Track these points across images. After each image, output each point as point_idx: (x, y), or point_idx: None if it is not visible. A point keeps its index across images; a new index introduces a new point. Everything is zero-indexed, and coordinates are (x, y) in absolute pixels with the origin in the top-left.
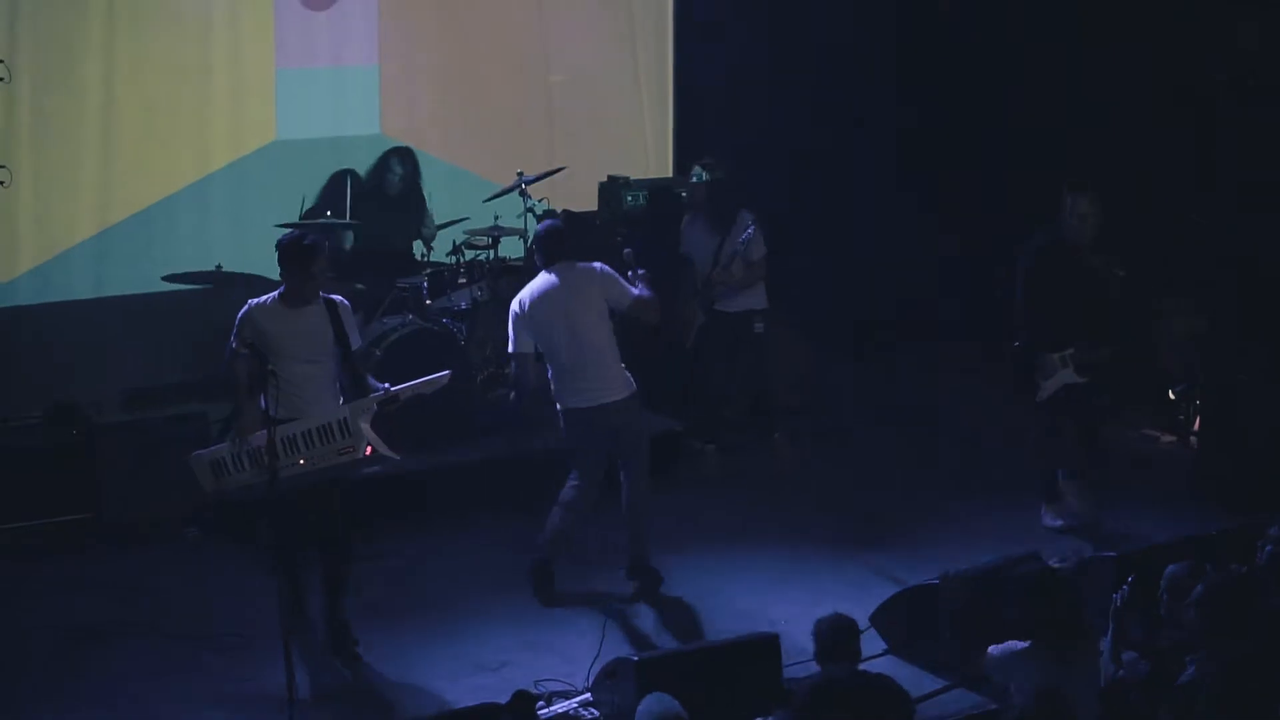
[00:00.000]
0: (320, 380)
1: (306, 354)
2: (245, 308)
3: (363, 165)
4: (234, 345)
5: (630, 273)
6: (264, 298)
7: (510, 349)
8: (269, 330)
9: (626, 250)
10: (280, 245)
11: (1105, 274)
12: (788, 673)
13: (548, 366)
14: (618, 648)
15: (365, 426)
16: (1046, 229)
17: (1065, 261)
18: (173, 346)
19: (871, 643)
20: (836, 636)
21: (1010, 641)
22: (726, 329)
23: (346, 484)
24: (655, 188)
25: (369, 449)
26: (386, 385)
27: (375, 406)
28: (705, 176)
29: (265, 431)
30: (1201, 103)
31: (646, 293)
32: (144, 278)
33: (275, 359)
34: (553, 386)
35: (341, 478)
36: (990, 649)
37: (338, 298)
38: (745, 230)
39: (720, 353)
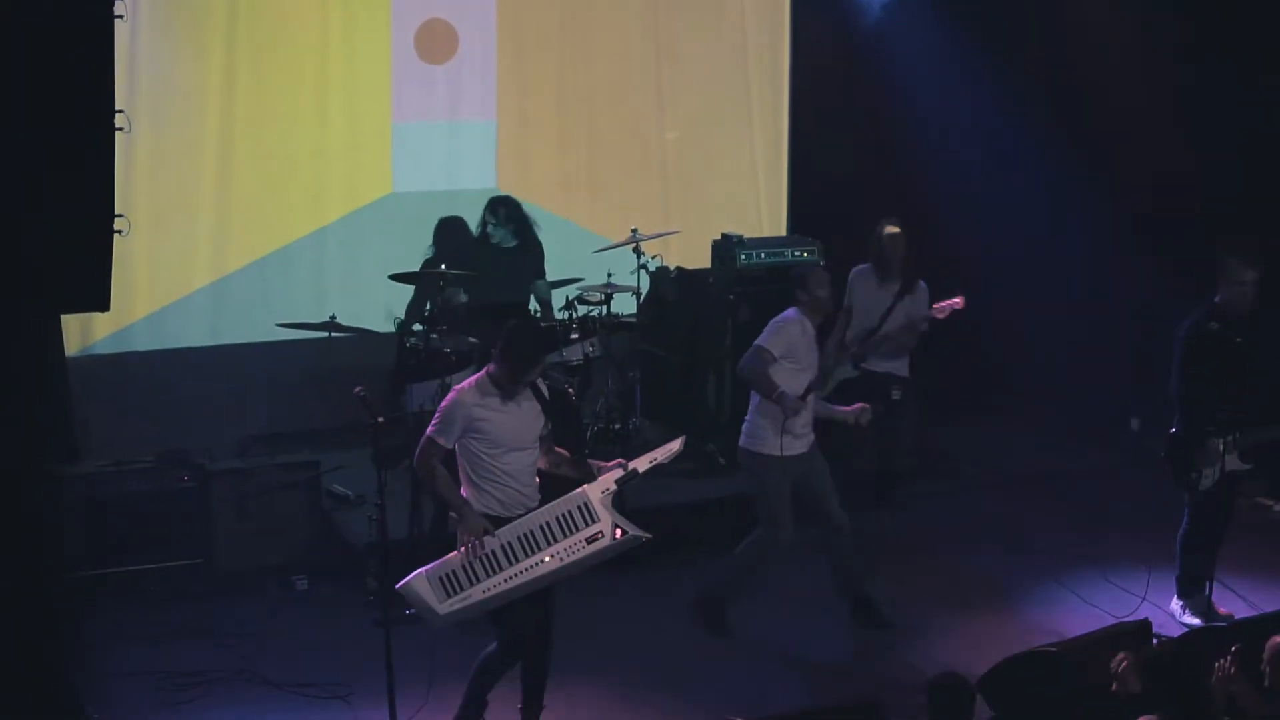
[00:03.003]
0: (533, 468)
1: (526, 441)
2: (455, 394)
3: (474, 220)
4: (436, 438)
5: None
6: (470, 383)
7: None
8: (489, 418)
9: None
10: (513, 329)
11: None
12: None
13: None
14: (719, 708)
15: (608, 508)
16: (1204, 302)
17: (1224, 336)
18: (286, 395)
19: (980, 709)
20: (950, 697)
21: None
22: (865, 387)
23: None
24: (777, 254)
25: (618, 531)
26: (621, 460)
27: (614, 485)
28: (903, 239)
29: (494, 534)
30: None
31: None
32: (258, 327)
33: (492, 449)
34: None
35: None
36: None
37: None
38: (924, 300)
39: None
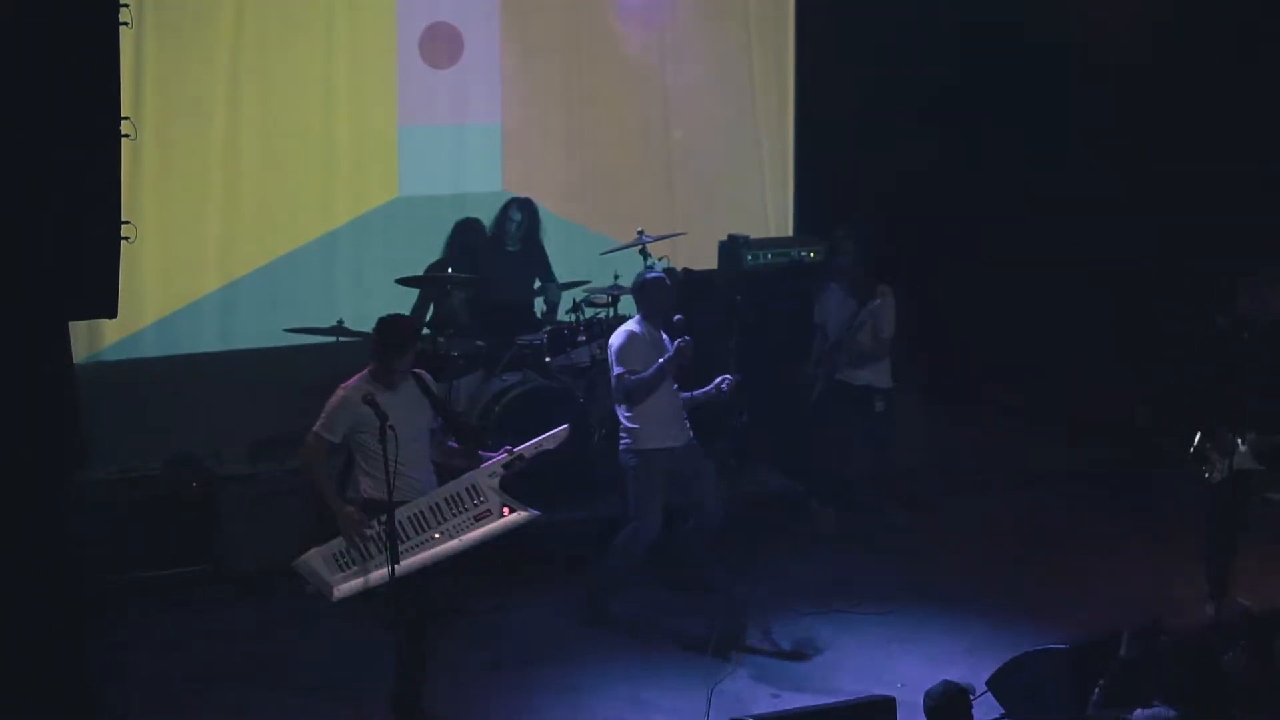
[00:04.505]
0: (425, 456)
1: (413, 431)
2: (341, 392)
3: (486, 220)
4: (322, 433)
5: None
6: (354, 380)
7: None
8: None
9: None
10: (378, 323)
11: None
12: None
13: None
14: (732, 708)
15: (496, 489)
16: (1223, 303)
17: (1231, 333)
18: (294, 399)
19: (991, 707)
20: (946, 705)
21: (1157, 708)
22: (847, 399)
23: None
24: (783, 255)
25: (505, 510)
26: (508, 447)
27: (501, 470)
28: (850, 245)
29: (385, 516)
30: None
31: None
32: (267, 332)
33: (379, 441)
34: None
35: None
36: (1136, 713)
37: (419, 371)
38: (877, 300)
39: (842, 420)
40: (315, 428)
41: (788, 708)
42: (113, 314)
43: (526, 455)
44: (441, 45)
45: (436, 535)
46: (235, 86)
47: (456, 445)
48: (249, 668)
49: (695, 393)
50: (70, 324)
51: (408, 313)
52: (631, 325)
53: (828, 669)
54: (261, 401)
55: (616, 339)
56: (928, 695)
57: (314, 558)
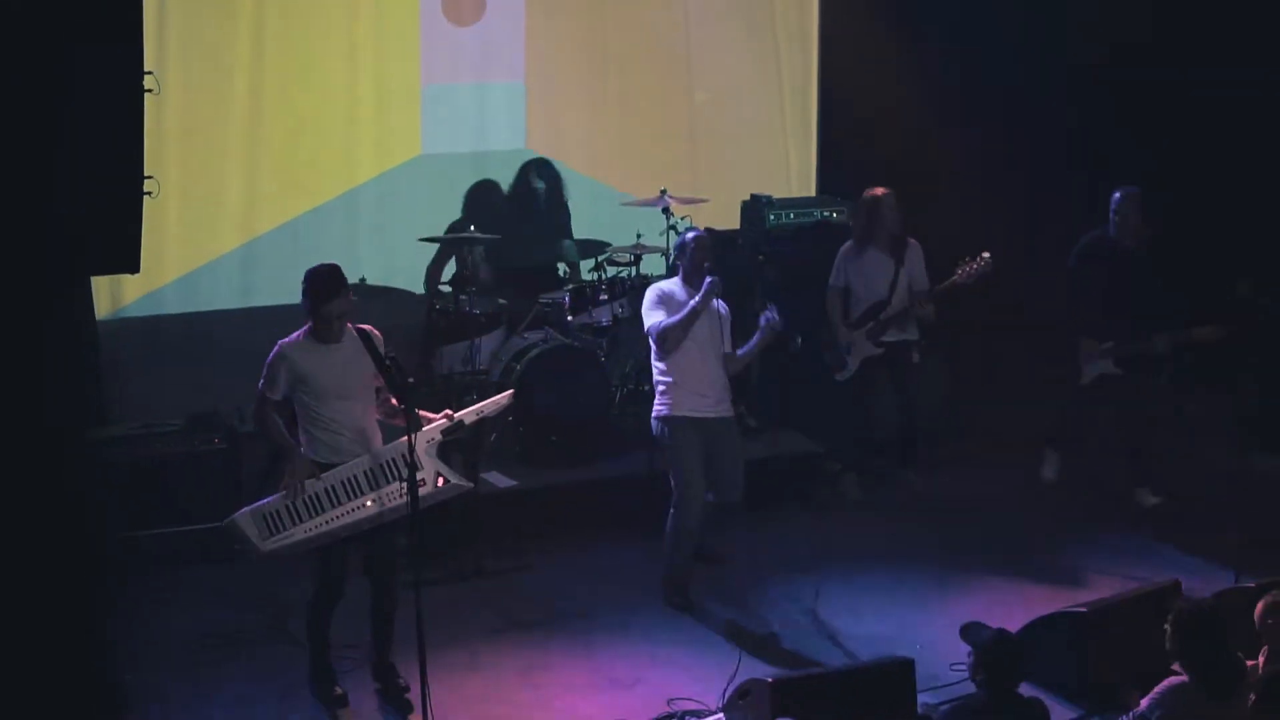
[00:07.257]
0: (361, 416)
1: (349, 389)
2: (277, 348)
3: (505, 180)
4: (265, 393)
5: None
6: (293, 337)
7: None
8: (310, 369)
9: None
10: (306, 275)
11: (1251, 301)
12: (922, 699)
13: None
14: (751, 668)
15: (432, 456)
16: (1097, 229)
17: (1109, 258)
18: None
19: None
20: (999, 650)
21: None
22: (884, 359)
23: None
24: (806, 215)
25: (440, 479)
26: (449, 412)
27: (439, 435)
28: (893, 203)
29: (319, 478)
30: None
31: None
32: (289, 289)
33: (317, 399)
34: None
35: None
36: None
37: (367, 327)
38: (919, 259)
39: (879, 383)
40: (259, 387)
41: (809, 670)
42: (135, 270)
43: (466, 422)
44: (464, 3)
45: (369, 502)
46: (258, 43)
47: (397, 404)
48: (270, 624)
49: (750, 344)
50: (92, 280)
51: (426, 270)
52: (664, 284)
53: (848, 632)
54: None
55: (647, 295)
56: (979, 641)
57: (244, 519)
